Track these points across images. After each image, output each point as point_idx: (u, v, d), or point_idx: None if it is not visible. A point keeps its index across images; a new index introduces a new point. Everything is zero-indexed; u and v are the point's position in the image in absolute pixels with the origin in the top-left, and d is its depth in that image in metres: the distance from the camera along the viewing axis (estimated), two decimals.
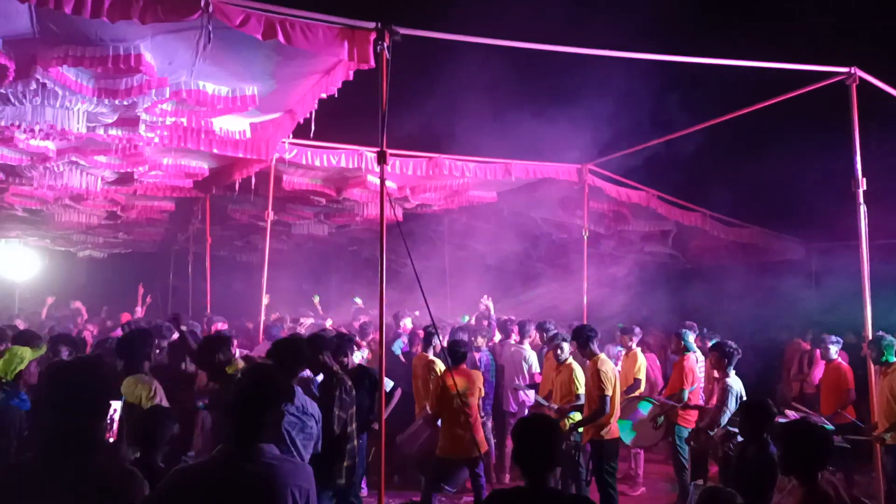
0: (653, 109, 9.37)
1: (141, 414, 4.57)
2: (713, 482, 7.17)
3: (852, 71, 6.53)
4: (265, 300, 9.08)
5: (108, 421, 4.29)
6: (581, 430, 7.19)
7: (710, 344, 8.50)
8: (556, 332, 8.35)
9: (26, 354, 6.67)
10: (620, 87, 9.33)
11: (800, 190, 11.02)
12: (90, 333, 11.62)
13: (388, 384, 6.91)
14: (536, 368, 8.94)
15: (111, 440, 4.36)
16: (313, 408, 4.83)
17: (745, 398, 6.51)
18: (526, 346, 9.19)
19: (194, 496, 2.69)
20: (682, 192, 11.81)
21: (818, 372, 9.61)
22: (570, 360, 7.64)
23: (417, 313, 11.14)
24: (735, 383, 6.67)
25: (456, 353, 7.09)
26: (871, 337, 6.78)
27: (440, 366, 7.79)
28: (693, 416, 7.84)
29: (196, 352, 6.02)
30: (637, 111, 9.47)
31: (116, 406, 4.44)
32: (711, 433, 6.63)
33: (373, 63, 5.27)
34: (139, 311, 13.12)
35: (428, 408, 7.32)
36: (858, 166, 6.58)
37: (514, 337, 9.29)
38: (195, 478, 2.75)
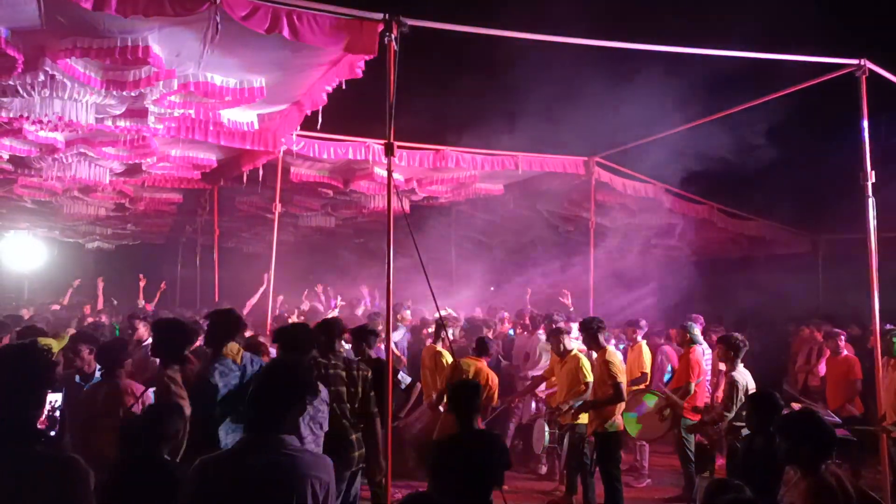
0: (661, 102, 9.33)
1: (147, 409, 4.59)
2: (719, 474, 7.20)
3: (862, 63, 6.49)
4: (266, 299, 9.06)
5: (49, 412, 4.25)
6: (586, 421, 7.23)
7: (715, 337, 8.51)
8: (557, 325, 8.38)
9: (52, 346, 6.65)
10: (628, 79, 9.30)
11: (808, 182, 10.99)
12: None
13: (406, 379, 6.93)
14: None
15: (52, 433, 4.32)
16: (324, 392, 4.95)
17: (753, 390, 6.51)
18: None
19: (218, 486, 2.73)
20: (689, 184, 11.78)
21: (824, 364, 9.58)
22: (575, 350, 7.65)
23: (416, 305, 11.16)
24: (742, 376, 6.65)
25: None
26: (878, 329, 6.75)
27: (447, 356, 7.86)
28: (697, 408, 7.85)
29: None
30: (645, 104, 9.44)
31: (56, 398, 4.40)
32: (716, 426, 6.63)
33: (377, 53, 5.28)
34: (141, 303, 12.97)
35: (434, 394, 7.42)
36: (867, 158, 6.55)
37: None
38: (218, 468, 2.79)
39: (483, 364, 7.46)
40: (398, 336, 9.49)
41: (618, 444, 7.11)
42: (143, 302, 13.00)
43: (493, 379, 7.54)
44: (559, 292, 11.88)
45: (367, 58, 5.55)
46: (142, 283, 13.39)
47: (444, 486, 4.34)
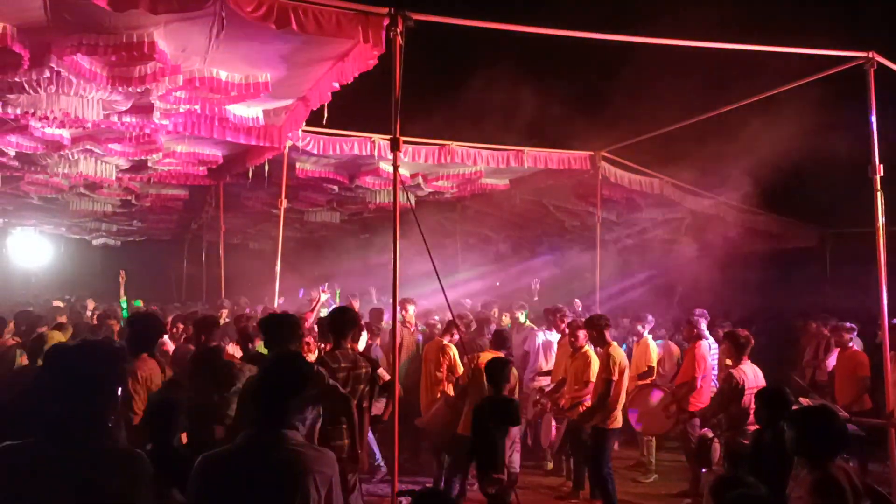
0: (667, 95, 9.30)
1: (155, 401, 4.61)
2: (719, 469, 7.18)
3: (870, 55, 6.45)
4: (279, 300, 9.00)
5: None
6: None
7: (722, 332, 8.47)
8: (572, 318, 8.40)
9: (59, 339, 6.71)
10: (634, 72, 9.27)
11: (816, 176, 10.94)
12: None
13: (386, 376, 6.83)
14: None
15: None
16: None
17: (761, 386, 6.47)
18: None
19: (221, 483, 2.73)
20: (695, 179, 11.73)
21: (832, 360, 9.54)
22: (588, 347, 7.65)
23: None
24: (740, 373, 6.56)
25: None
26: (887, 324, 6.72)
27: (454, 351, 7.90)
28: (705, 403, 7.83)
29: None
30: (651, 97, 9.41)
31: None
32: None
33: (384, 48, 5.27)
34: (123, 299, 12.57)
35: (451, 388, 7.46)
36: (876, 152, 6.51)
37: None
38: (221, 464, 2.79)
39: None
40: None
41: (612, 442, 7.17)
42: (125, 298, 12.58)
43: (514, 373, 7.52)
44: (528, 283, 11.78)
45: (374, 52, 5.54)
46: (122, 280, 13.04)
47: (480, 436, 5.82)
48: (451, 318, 8.14)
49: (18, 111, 6.74)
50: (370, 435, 7.03)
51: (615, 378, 6.93)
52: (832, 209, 13.11)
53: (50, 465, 2.46)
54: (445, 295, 5.76)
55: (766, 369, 6.85)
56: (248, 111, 7.61)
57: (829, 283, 14.26)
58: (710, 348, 8.29)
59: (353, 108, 8.03)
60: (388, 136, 5.43)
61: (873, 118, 6.54)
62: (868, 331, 9.29)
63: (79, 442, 2.51)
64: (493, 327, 8.95)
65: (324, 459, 2.85)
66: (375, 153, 9.07)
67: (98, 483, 2.48)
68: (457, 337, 8.10)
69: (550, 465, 8.79)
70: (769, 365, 7.79)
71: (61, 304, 12.60)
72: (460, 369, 8.03)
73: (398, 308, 5.93)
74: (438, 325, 9.17)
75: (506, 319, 10.88)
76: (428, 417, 7.56)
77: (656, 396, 7.91)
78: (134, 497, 2.54)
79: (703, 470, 7.50)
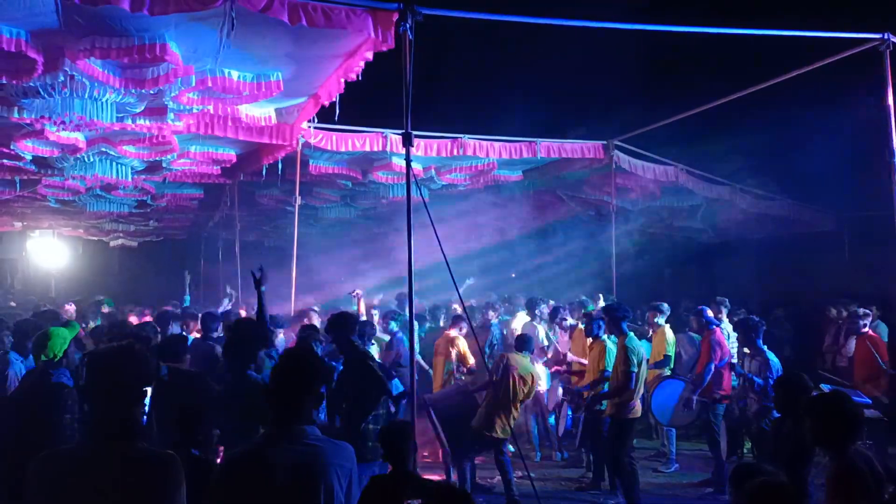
0: (681, 81, 9.23)
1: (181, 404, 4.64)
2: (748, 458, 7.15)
3: (886, 37, 6.36)
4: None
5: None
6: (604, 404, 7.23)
7: (735, 320, 8.44)
8: (564, 319, 8.48)
9: (66, 335, 6.73)
10: (649, 59, 9.20)
11: (833, 161, 10.83)
12: None
13: (399, 387, 6.76)
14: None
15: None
16: None
17: (780, 372, 6.45)
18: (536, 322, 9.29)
19: (246, 481, 2.76)
20: (711, 165, 11.64)
21: (852, 344, 9.46)
22: (604, 336, 7.64)
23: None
24: (773, 356, 6.59)
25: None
26: None
27: (461, 342, 8.17)
28: (725, 392, 7.78)
29: None
30: (665, 84, 9.34)
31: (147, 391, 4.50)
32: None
33: (393, 44, 5.28)
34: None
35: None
36: (893, 135, 6.43)
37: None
38: (243, 463, 2.82)
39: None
40: None
41: (631, 431, 7.13)
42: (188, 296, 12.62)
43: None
44: None
45: (384, 48, 5.54)
46: (188, 279, 13.16)
47: None
48: (461, 315, 8.20)
49: (34, 115, 6.80)
50: None
51: (635, 370, 6.88)
52: (851, 193, 12.96)
53: (87, 467, 2.52)
54: (457, 288, 5.75)
55: (790, 356, 6.82)
56: (261, 110, 7.64)
57: (848, 267, 14.11)
58: (728, 336, 8.24)
59: (366, 103, 8.04)
60: (400, 131, 5.43)
61: (890, 100, 6.46)
62: (891, 315, 9.20)
63: (113, 443, 2.56)
64: (490, 315, 9.07)
65: (343, 452, 2.88)
66: (388, 148, 9.08)
67: (132, 484, 2.52)
68: (465, 329, 8.18)
69: (562, 456, 8.78)
70: (792, 352, 7.76)
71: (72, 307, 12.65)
72: (470, 360, 8.14)
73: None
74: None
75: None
76: (437, 395, 7.68)
77: (675, 387, 7.88)
78: (166, 499, 2.57)
79: (729, 459, 7.50)
